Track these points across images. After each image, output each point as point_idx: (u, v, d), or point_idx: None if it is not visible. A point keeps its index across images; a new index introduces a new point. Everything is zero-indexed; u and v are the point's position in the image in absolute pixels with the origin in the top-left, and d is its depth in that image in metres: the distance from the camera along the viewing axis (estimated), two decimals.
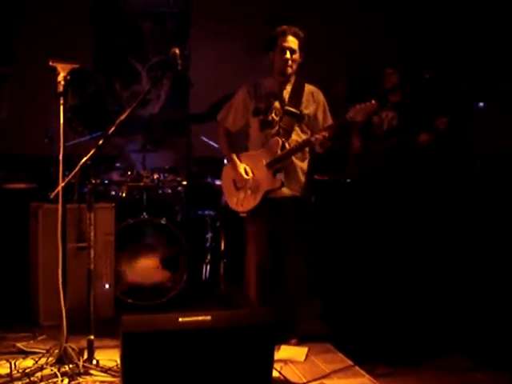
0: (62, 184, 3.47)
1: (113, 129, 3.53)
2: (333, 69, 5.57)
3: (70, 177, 3.47)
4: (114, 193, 5.19)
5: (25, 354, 3.70)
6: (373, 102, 3.70)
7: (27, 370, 3.36)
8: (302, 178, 4.02)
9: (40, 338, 4.04)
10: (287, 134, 3.95)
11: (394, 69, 5.09)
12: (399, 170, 5.08)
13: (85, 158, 3.45)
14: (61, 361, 3.42)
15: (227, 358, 2.93)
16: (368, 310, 4.61)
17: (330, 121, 4.05)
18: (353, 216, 5.14)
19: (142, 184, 5.15)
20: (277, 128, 3.97)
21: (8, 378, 3.28)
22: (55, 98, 3.55)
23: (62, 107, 3.51)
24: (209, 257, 5.49)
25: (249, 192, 4.02)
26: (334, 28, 6.75)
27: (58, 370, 3.32)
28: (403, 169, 5.10)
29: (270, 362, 3.04)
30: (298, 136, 3.98)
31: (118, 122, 3.55)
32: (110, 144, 3.67)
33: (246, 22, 6.61)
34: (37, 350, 3.73)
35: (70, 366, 3.37)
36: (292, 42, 3.94)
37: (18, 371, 3.37)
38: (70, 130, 5.61)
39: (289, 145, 3.93)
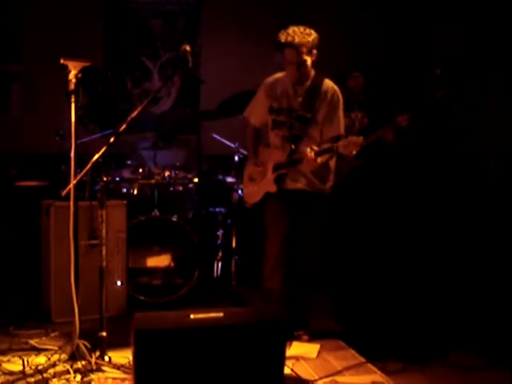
0: (74, 181, 3.48)
1: (124, 126, 3.54)
2: (346, 63, 5.60)
3: (81, 174, 3.48)
4: (125, 190, 5.20)
5: (37, 350, 3.72)
6: (360, 138, 3.55)
7: (40, 367, 3.38)
8: (310, 176, 3.97)
9: (52, 335, 4.05)
10: (297, 140, 3.92)
11: (359, 72, 5.17)
12: (384, 167, 5.16)
13: (96, 156, 3.46)
14: (73, 357, 3.43)
15: (239, 354, 2.93)
16: (378, 306, 4.60)
17: (337, 124, 3.95)
18: (360, 214, 5.15)
19: (153, 181, 5.15)
20: (286, 131, 3.96)
21: (21, 375, 3.30)
22: (66, 96, 3.56)
23: (73, 105, 3.52)
24: (220, 254, 5.49)
25: (256, 188, 4.10)
26: (345, 24, 6.76)
27: (71, 367, 3.34)
28: (394, 167, 5.19)
29: (281, 358, 3.03)
30: (308, 142, 3.88)
31: (129, 119, 3.56)
32: (121, 141, 3.67)
33: (257, 19, 6.61)
34: (49, 347, 3.76)
35: (83, 362, 3.39)
36: (298, 54, 3.81)
37: (30, 368, 3.39)
38: (81, 128, 5.62)
39: (298, 152, 3.88)
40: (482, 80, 5.69)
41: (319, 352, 3.85)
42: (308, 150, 3.72)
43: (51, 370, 3.33)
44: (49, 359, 3.51)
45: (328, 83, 4.00)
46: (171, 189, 5.27)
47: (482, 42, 5.60)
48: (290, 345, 3.85)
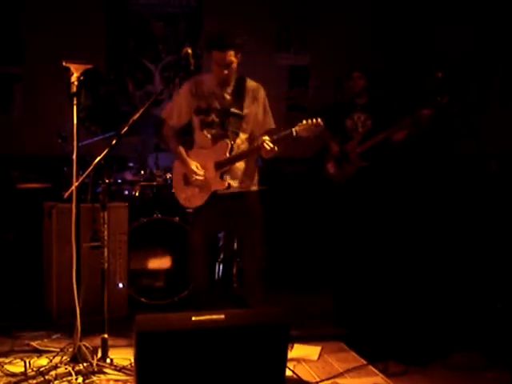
0: (76, 184, 3.49)
1: (126, 128, 3.55)
2: (346, 66, 5.61)
3: (83, 176, 3.48)
4: (127, 192, 5.21)
5: (39, 352, 3.73)
6: (319, 120, 3.80)
7: (42, 369, 3.38)
8: (242, 177, 4.08)
9: (54, 337, 4.05)
10: (235, 136, 4.02)
11: (361, 72, 5.19)
12: (388, 169, 5.20)
13: (98, 158, 3.46)
14: (75, 359, 3.44)
15: (240, 356, 2.93)
16: (379, 308, 4.61)
17: (269, 119, 4.12)
18: (363, 215, 5.15)
19: (154, 183, 5.16)
20: (220, 129, 4.03)
21: (23, 377, 3.30)
22: (68, 98, 3.57)
23: (75, 107, 3.53)
24: (222, 256, 5.49)
25: (197, 190, 4.08)
26: (345, 26, 6.79)
27: (73, 369, 3.35)
28: (394, 167, 5.22)
29: (283, 360, 3.03)
30: (243, 136, 4.06)
31: (130, 121, 3.56)
32: (122, 143, 3.68)
33: (258, 21, 6.62)
34: (51, 349, 3.75)
35: (85, 364, 3.39)
36: (228, 55, 3.89)
37: (32, 370, 3.39)
38: (83, 130, 5.64)
39: (237, 147, 4.02)
40: (483, 82, 5.69)
41: (320, 354, 3.85)
42: (263, 142, 3.83)
43: (53, 372, 3.34)
44: (51, 361, 3.51)
45: (251, 82, 4.13)
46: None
47: (482, 43, 5.61)
48: (292, 347, 3.85)
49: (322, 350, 3.91)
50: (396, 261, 5.21)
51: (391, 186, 5.26)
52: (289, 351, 3.31)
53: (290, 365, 3.46)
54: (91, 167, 3.46)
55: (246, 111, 4.04)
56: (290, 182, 6.59)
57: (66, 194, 3.52)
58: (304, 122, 3.81)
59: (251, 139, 4.09)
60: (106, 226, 3.56)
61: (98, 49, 6.40)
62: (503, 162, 5.21)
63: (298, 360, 3.71)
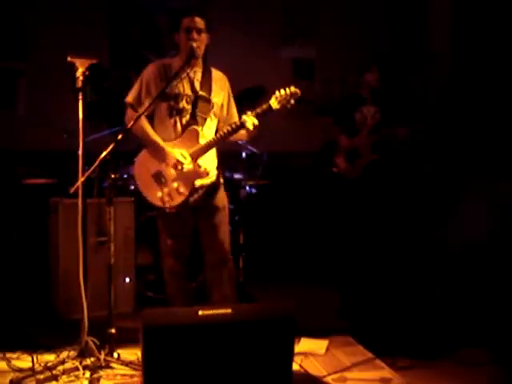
0: (82, 179, 3.48)
1: (132, 123, 3.55)
2: (362, 58, 5.59)
3: (89, 171, 3.47)
4: (132, 187, 5.20)
5: (47, 347, 3.72)
6: (292, 88, 3.58)
7: (49, 364, 3.39)
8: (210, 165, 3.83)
9: (61, 332, 4.06)
10: (203, 121, 3.80)
11: (377, 67, 5.19)
12: (398, 163, 5.22)
13: (104, 153, 3.45)
14: (82, 354, 3.45)
15: (247, 350, 2.94)
16: (387, 303, 4.60)
17: (234, 111, 3.94)
18: (370, 211, 5.15)
19: None
20: (189, 116, 3.78)
21: (30, 372, 3.32)
22: (73, 94, 3.57)
23: (80, 102, 3.53)
24: None
25: (175, 185, 3.72)
26: (344, 23, 6.79)
27: (80, 364, 3.36)
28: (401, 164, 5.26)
29: (290, 354, 3.03)
30: (211, 123, 3.85)
31: (136, 117, 3.56)
32: (128, 138, 3.66)
33: (263, 15, 6.60)
34: (58, 344, 3.75)
35: (92, 359, 3.40)
36: (196, 20, 3.83)
37: (40, 365, 3.40)
38: (89, 125, 5.63)
39: (206, 133, 3.79)
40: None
41: (327, 348, 3.85)
42: (245, 121, 3.60)
43: (60, 367, 3.36)
44: (58, 356, 3.52)
45: (216, 71, 3.97)
46: None
47: (483, 42, 5.59)
48: (299, 341, 3.85)
49: (329, 343, 3.91)
50: (403, 256, 5.20)
51: (401, 181, 5.26)
52: (296, 345, 3.32)
53: (297, 359, 3.47)
54: (97, 162, 3.44)
55: (214, 99, 3.85)
56: (297, 176, 6.58)
57: (72, 189, 3.51)
58: (278, 93, 3.58)
59: (217, 130, 3.85)
60: (112, 221, 3.56)
61: (102, 43, 6.38)
62: None
63: (305, 354, 3.71)
